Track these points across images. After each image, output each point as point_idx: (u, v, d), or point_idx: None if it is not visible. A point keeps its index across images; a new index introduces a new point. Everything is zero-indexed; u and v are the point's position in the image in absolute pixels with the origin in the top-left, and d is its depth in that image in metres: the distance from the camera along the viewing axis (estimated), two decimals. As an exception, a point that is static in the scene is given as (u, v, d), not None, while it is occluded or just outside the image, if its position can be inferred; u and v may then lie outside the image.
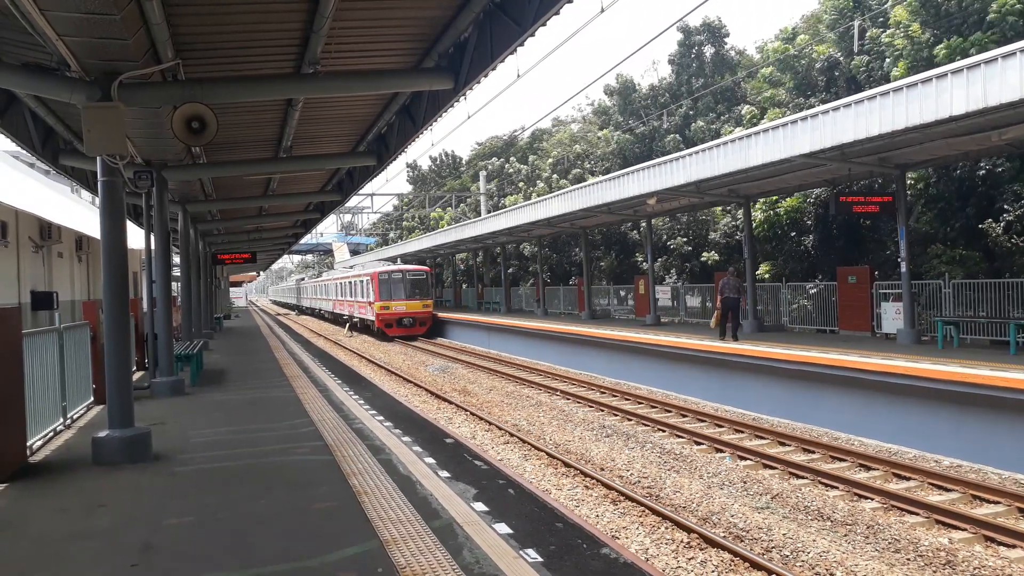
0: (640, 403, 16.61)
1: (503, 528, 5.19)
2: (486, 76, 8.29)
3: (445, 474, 6.71)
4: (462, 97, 9.03)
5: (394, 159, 12.90)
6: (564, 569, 4.45)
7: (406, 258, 42.36)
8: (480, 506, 5.73)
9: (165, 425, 9.67)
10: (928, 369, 11.52)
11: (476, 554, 4.68)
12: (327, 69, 8.66)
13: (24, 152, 12.73)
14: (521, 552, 4.72)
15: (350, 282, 41.43)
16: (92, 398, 11.27)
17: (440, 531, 5.12)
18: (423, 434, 8.87)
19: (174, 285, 21.02)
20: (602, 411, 15.96)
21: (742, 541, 8.07)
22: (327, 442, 8.14)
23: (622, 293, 31.62)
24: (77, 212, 23.91)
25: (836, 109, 12.95)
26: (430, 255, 47.04)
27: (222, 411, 10.71)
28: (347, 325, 45.30)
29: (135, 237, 16.61)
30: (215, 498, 6.26)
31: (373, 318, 34.57)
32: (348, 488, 6.27)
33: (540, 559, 4.61)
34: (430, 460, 7.27)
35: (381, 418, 9.73)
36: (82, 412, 10.59)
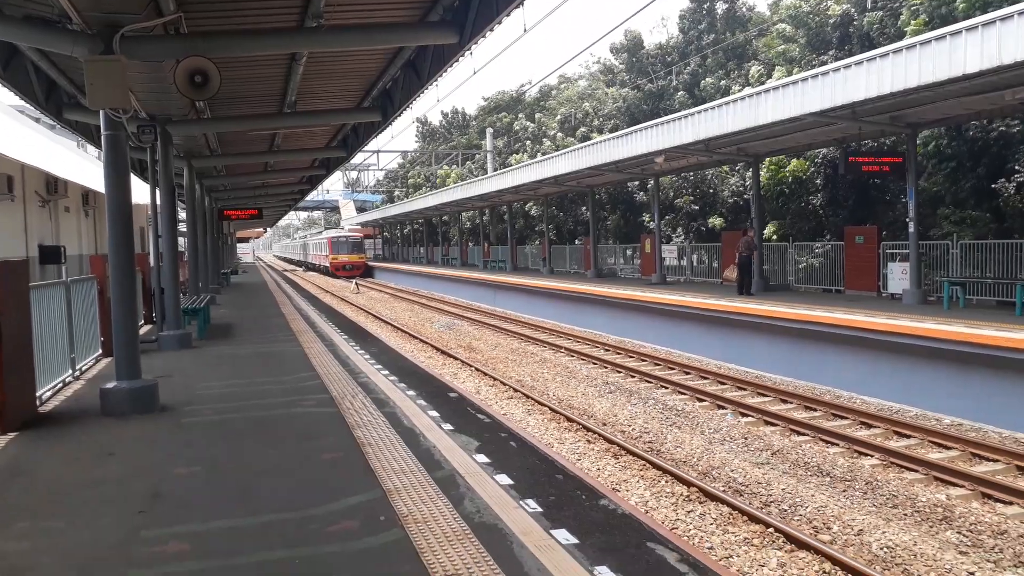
0: (643, 360, 16.71)
1: (504, 479, 5.28)
2: (491, 31, 8.16)
3: (448, 427, 6.80)
4: (467, 52, 8.92)
5: (399, 115, 12.79)
6: (563, 519, 4.53)
7: (354, 228, 65.75)
8: (482, 458, 5.81)
9: (172, 378, 9.77)
10: (932, 329, 11.53)
11: (477, 503, 4.77)
12: (331, 23, 8.54)
13: (30, 106, 12.66)
14: (521, 502, 4.81)
15: (317, 242, 66.05)
16: (100, 351, 11.40)
17: (442, 481, 5.21)
18: (427, 388, 8.97)
19: (180, 240, 21.07)
20: (605, 368, 16.07)
21: (741, 495, 8.18)
22: (332, 395, 8.24)
23: (628, 252, 31.56)
24: (83, 167, 23.85)
25: (848, 67, 12.74)
26: (436, 212, 46.93)
27: (229, 364, 10.83)
28: (354, 282, 45.55)
29: (141, 192, 16.61)
30: (222, 448, 6.37)
31: (328, 264, 55.97)
32: (352, 440, 6.36)
33: (540, 509, 4.70)
34: (434, 413, 7.36)
35: (386, 372, 9.82)
36: (90, 364, 10.72)
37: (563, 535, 4.26)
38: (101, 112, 7.57)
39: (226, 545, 4.27)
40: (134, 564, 4.05)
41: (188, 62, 7.59)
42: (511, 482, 5.23)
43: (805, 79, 13.67)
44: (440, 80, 10.84)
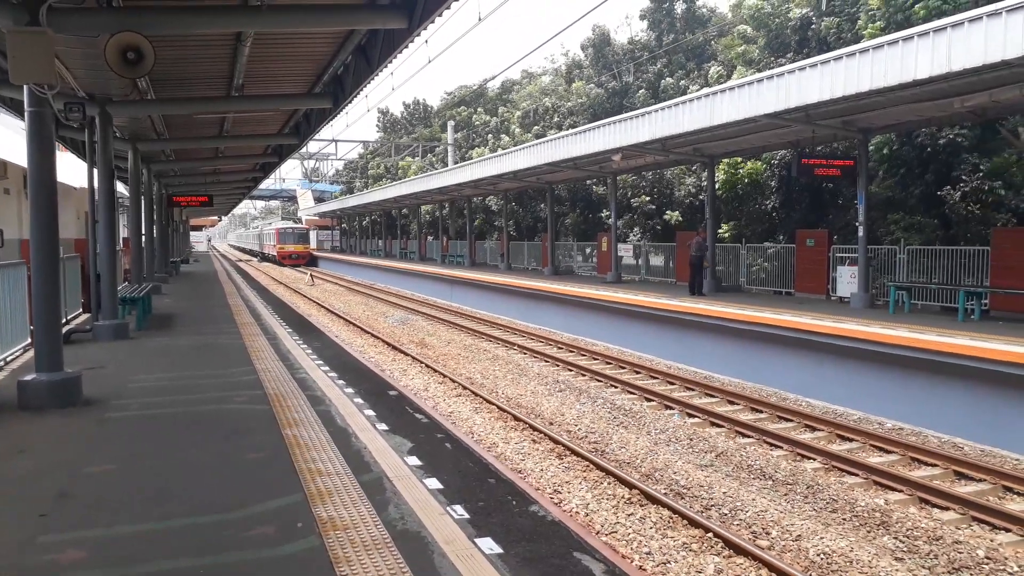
0: (595, 359, 16.64)
1: (434, 483, 5.08)
2: (440, 16, 7.92)
3: (383, 427, 6.58)
4: (417, 37, 8.65)
5: (350, 101, 12.47)
6: (490, 526, 4.36)
7: (311, 218, 71.23)
8: (414, 460, 5.61)
9: (104, 369, 9.39)
10: (876, 333, 11.62)
11: (402, 510, 4.57)
12: (275, 2, 8.24)
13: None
14: (448, 508, 4.62)
15: (267, 233, 71.40)
16: (29, 340, 10.88)
17: (368, 485, 5.00)
18: (367, 386, 8.71)
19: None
20: (557, 366, 15.96)
21: (683, 498, 8.11)
22: (267, 391, 7.95)
23: (588, 250, 31.52)
24: (21, 147, 22.94)
25: (802, 69, 12.79)
26: (395, 205, 46.39)
27: (164, 356, 10.44)
28: (308, 274, 44.96)
29: (84, 175, 15.94)
30: (143, 446, 6.07)
31: (275, 254, 61.19)
32: (281, 439, 6.11)
33: (467, 515, 4.51)
34: (370, 412, 7.12)
35: (327, 368, 9.54)
36: (18, 354, 10.23)
37: (488, 544, 4.08)
38: (25, 87, 7.16)
39: (128, 552, 4.00)
40: (23, 574, 3.77)
41: (120, 37, 7.22)
42: (441, 486, 5.03)
43: (760, 80, 13.70)
44: (394, 68, 10.60)
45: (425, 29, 8.24)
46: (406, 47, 9.04)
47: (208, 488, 5.04)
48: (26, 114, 7.16)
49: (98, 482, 5.19)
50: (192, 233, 74.91)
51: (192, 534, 4.25)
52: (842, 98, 12.23)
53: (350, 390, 8.17)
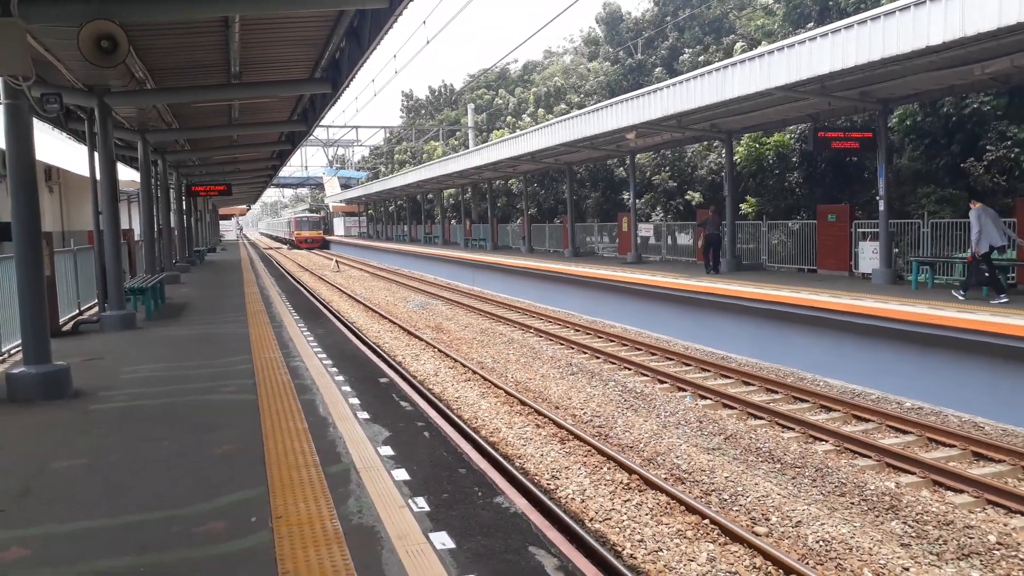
0: (611, 341, 16.39)
1: (401, 475, 4.91)
2: (418, -8, 7.72)
3: (364, 416, 6.43)
4: (400, 17, 8.44)
5: (347, 86, 12.26)
6: (449, 520, 4.18)
7: (337, 205, 75.27)
8: (386, 450, 5.45)
9: (102, 360, 9.40)
10: (892, 310, 11.21)
11: (361, 503, 4.42)
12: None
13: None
14: (410, 501, 4.45)
15: (288, 220, 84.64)
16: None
17: (334, 477, 4.86)
18: (359, 373, 8.54)
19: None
20: (572, 349, 15.74)
21: (683, 483, 7.87)
22: (257, 381, 7.85)
23: (612, 232, 31.13)
24: (45, 142, 23.20)
25: (813, 39, 12.30)
26: (418, 190, 46.28)
27: (166, 346, 10.42)
28: (334, 260, 45.19)
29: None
30: (119, 438, 5.99)
31: (293, 239, 70.78)
32: (258, 430, 6.00)
33: (427, 508, 4.34)
34: (354, 401, 6.98)
35: (323, 355, 9.41)
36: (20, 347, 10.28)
37: (442, 539, 3.91)
38: (1, 80, 7.09)
39: (72, 551, 3.90)
40: (-36, 573, 3.69)
41: (93, 26, 7.09)
42: (408, 477, 4.87)
43: (771, 52, 13.23)
44: (396, 51, 10.36)
45: (406, 8, 8.01)
46: (391, 27, 8.82)
47: (172, 482, 4.93)
48: (2, 107, 7.09)
49: (64, 477, 5.12)
50: (222, 222, 75.93)
51: (143, 531, 4.13)
52: (855, 68, 11.73)
53: (340, 378, 8.04)
